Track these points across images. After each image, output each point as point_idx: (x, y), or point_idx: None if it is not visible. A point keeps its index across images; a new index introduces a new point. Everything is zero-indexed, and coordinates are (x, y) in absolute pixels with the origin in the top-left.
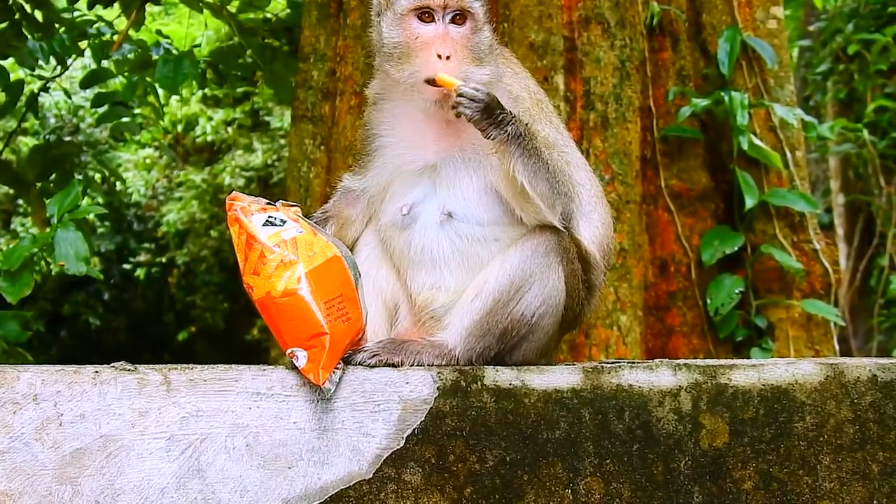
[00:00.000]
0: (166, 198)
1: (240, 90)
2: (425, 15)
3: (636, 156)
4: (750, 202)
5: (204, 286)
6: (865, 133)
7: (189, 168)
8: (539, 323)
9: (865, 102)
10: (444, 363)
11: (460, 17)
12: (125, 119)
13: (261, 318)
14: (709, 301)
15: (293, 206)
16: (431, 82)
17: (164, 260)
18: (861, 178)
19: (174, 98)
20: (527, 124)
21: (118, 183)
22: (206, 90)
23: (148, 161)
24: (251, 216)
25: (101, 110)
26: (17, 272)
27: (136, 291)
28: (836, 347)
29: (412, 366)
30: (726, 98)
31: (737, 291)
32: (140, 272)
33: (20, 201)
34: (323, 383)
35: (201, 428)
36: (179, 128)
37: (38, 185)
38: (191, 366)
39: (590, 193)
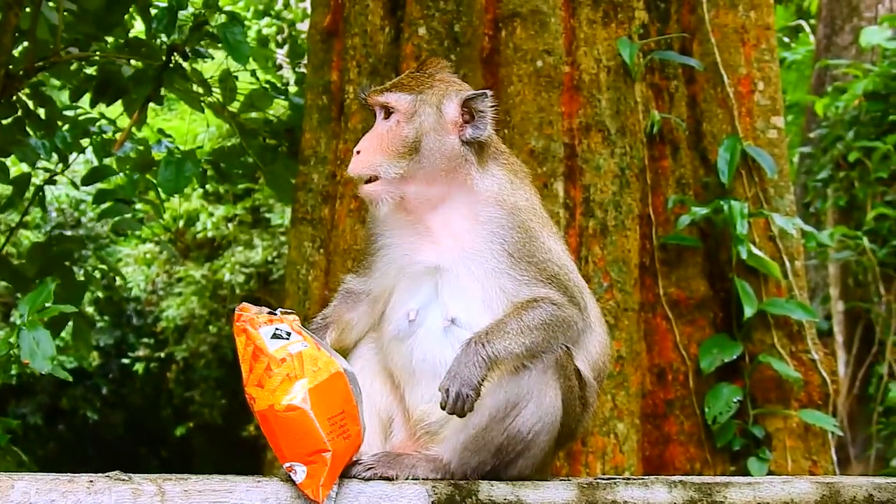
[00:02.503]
0: (166, 293)
1: (241, 186)
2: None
3: (635, 263)
4: (749, 311)
5: (202, 381)
6: (865, 241)
7: (189, 263)
8: (535, 440)
9: (866, 210)
10: (438, 477)
11: (384, 111)
12: (126, 215)
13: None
14: (706, 410)
15: (290, 313)
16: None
17: (162, 355)
18: (861, 286)
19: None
20: (488, 332)
21: (118, 278)
22: (208, 186)
23: (148, 256)
24: (259, 328)
25: (102, 206)
26: None
27: (134, 386)
28: (834, 457)
29: (407, 479)
30: (726, 207)
31: (735, 400)
32: (139, 367)
33: (19, 295)
34: (322, 501)
35: None
36: (180, 223)
37: (38, 281)
38: (185, 476)
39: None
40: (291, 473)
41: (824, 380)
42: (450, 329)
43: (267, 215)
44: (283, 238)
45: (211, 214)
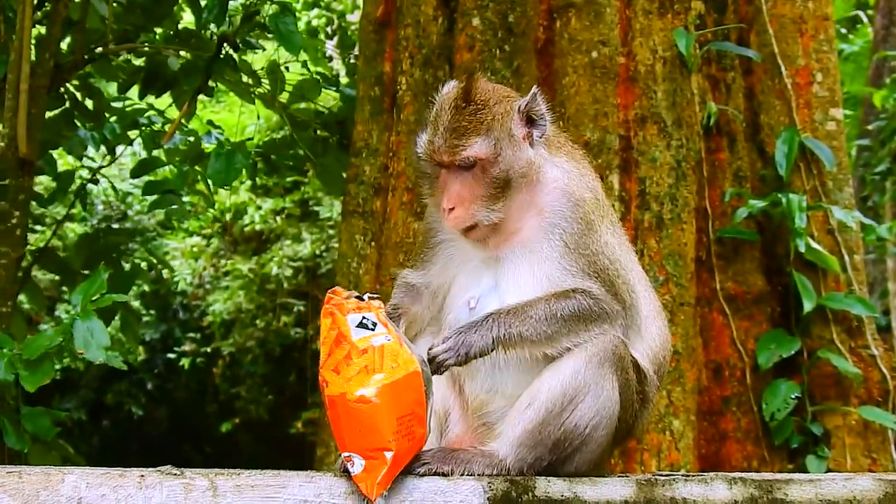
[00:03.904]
0: (213, 287)
1: (289, 179)
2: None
3: (691, 257)
4: (807, 306)
5: (249, 377)
6: None
7: (236, 257)
8: (592, 434)
9: None
10: (494, 473)
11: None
12: (174, 206)
13: (306, 412)
14: (764, 406)
15: (377, 298)
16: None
17: (209, 350)
18: None
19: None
20: (510, 312)
21: (165, 271)
22: (256, 179)
23: (195, 249)
24: (347, 314)
25: (151, 198)
26: (36, 361)
27: (179, 381)
28: (895, 455)
29: (462, 475)
30: (784, 200)
31: (793, 397)
32: (184, 362)
33: (65, 288)
34: (375, 500)
35: None
36: (228, 216)
37: (85, 273)
38: (238, 471)
39: (647, 307)
40: (349, 464)
41: (884, 376)
42: None
43: (315, 208)
44: (331, 231)
45: (259, 207)
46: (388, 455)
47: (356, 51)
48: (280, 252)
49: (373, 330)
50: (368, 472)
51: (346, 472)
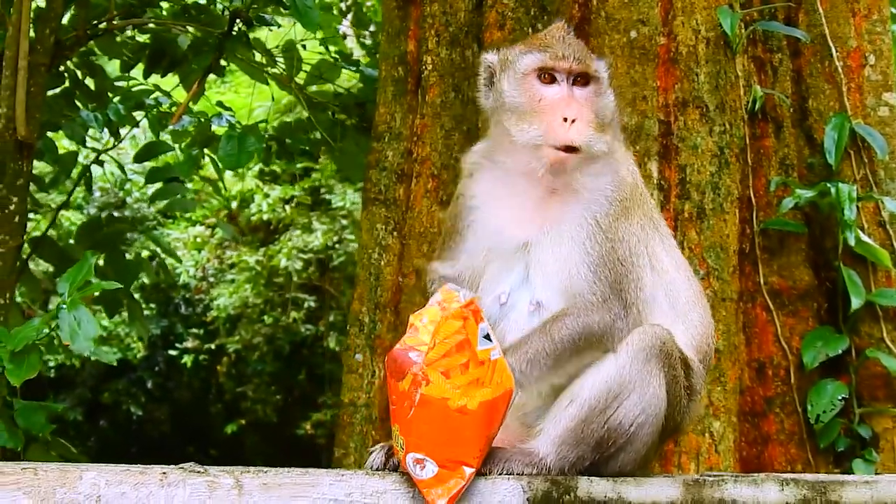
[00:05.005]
0: (217, 280)
1: (299, 166)
2: (546, 76)
3: (734, 250)
4: (856, 302)
5: (256, 376)
6: None
7: (242, 248)
8: (637, 433)
9: None
10: (534, 472)
11: (583, 79)
12: (179, 196)
13: (316, 413)
14: (809, 408)
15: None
16: (558, 147)
17: (213, 347)
18: None
19: (228, 172)
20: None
21: (170, 262)
22: (263, 165)
23: (198, 240)
24: (479, 323)
25: (153, 188)
26: (21, 353)
27: (181, 380)
28: None
29: (500, 474)
30: (833, 190)
31: (839, 398)
32: (187, 359)
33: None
34: None
35: None
36: (234, 205)
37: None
38: (264, 469)
39: (687, 294)
40: (418, 465)
41: None
42: (536, 312)
43: (327, 197)
44: (344, 222)
45: (266, 195)
46: (468, 471)
47: (372, 28)
48: (289, 243)
49: (492, 343)
50: (440, 480)
51: (394, 470)
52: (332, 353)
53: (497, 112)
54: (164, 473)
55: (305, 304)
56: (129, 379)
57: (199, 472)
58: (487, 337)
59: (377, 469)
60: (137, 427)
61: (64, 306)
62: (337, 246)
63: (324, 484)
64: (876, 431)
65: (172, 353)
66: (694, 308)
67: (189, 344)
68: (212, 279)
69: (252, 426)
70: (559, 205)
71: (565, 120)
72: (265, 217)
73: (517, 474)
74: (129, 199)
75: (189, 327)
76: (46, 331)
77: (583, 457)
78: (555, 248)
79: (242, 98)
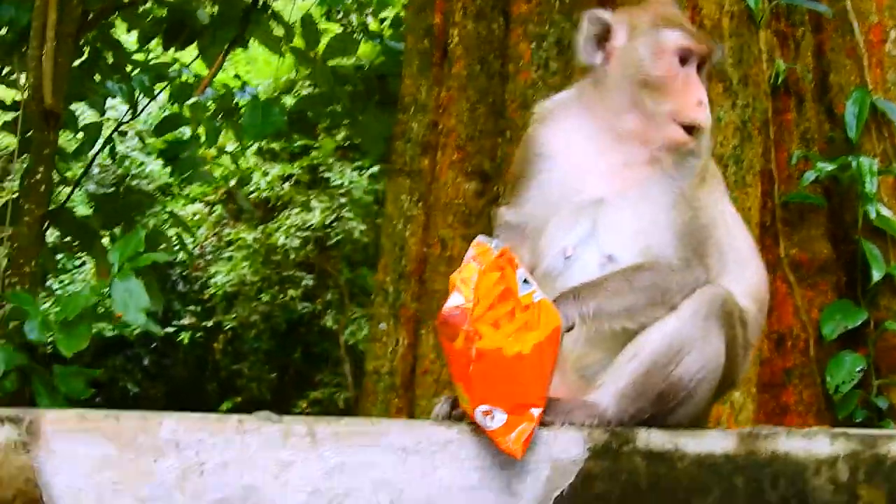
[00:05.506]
0: (214, 257)
1: (297, 144)
2: (683, 56)
3: (755, 222)
4: (876, 275)
5: (252, 354)
6: None
7: (240, 226)
8: (696, 389)
9: None
10: (595, 424)
11: (702, 64)
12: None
13: (313, 391)
14: (828, 379)
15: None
16: (686, 126)
17: (209, 324)
18: None
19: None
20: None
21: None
22: (262, 143)
23: (196, 217)
24: (517, 269)
25: (154, 164)
26: (73, 323)
27: (177, 357)
28: None
29: (562, 425)
30: (853, 164)
31: (858, 370)
32: (184, 336)
33: (59, 256)
34: (521, 457)
35: (345, 482)
36: (232, 182)
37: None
38: (337, 418)
39: (745, 247)
40: (487, 417)
41: None
42: (606, 266)
43: (326, 175)
44: (342, 200)
45: (265, 173)
46: (536, 412)
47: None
48: (287, 221)
49: (532, 286)
50: (510, 427)
51: (459, 420)
52: (328, 331)
53: (609, 73)
54: (241, 421)
55: (303, 282)
56: (125, 356)
57: (273, 420)
58: (526, 281)
59: (443, 419)
60: (133, 404)
61: (116, 278)
62: (335, 224)
63: (393, 433)
64: (893, 403)
65: (169, 330)
66: (752, 259)
67: (186, 321)
68: (209, 256)
69: (247, 404)
70: (642, 168)
71: (699, 104)
72: (264, 195)
73: (579, 425)
74: (134, 171)
75: (186, 304)
76: (94, 300)
77: (642, 410)
78: (636, 209)
79: (256, 71)
